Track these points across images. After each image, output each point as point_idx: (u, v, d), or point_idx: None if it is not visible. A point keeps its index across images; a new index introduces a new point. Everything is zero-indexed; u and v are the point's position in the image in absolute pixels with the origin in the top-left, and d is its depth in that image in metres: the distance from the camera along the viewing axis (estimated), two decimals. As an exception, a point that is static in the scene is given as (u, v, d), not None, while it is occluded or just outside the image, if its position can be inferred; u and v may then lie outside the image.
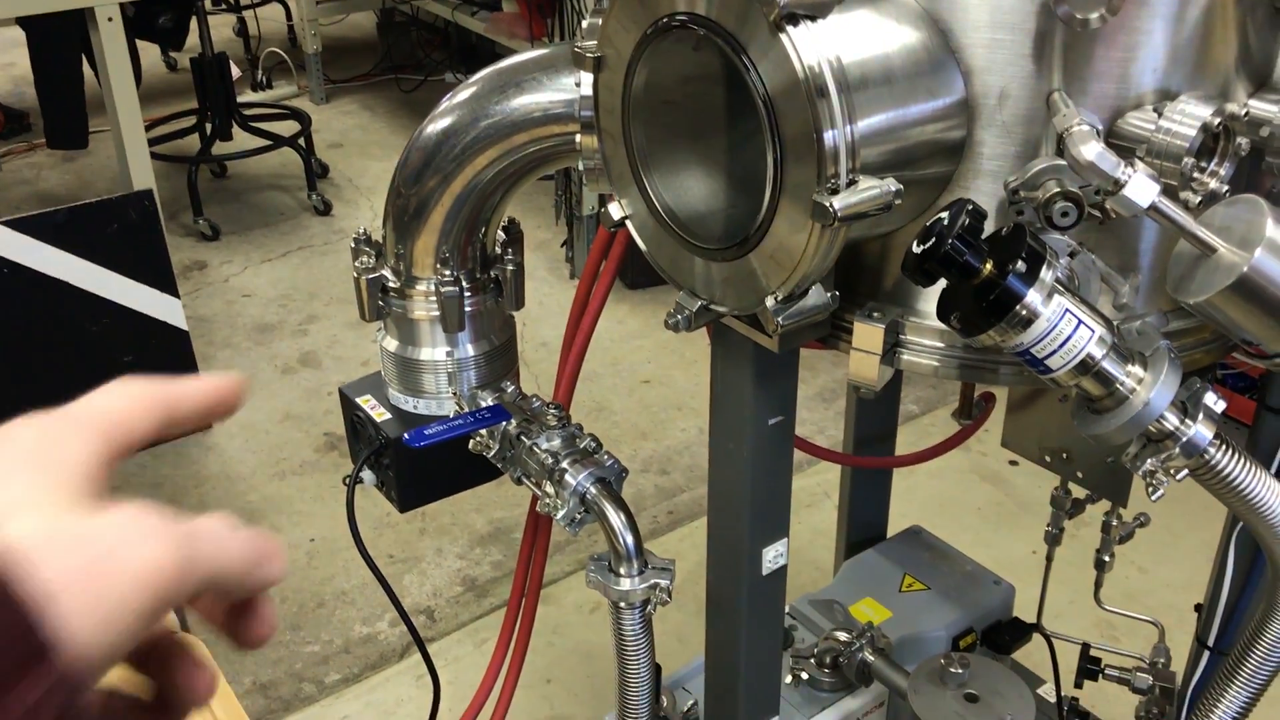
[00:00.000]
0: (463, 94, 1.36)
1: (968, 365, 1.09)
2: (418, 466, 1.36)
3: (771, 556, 1.25)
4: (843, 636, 1.56)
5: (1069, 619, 2.01)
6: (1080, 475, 1.56)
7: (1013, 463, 3.04)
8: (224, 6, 5.63)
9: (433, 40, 5.60)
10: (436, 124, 1.34)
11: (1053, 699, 1.68)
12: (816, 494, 2.99)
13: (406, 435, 1.27)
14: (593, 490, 1.25)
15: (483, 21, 4.50)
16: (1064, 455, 1.56)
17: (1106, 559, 1.60)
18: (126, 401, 0.47)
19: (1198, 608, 1.45)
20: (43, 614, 0.37)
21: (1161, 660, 1.56)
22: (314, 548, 2.77)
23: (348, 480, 1.41)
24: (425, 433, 1.24)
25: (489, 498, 2.94)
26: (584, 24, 1.10)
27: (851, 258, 1.11)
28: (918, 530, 1.88)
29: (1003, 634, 1.71)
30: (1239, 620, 1.36)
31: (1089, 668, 1.59)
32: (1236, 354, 1.10)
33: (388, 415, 1.40)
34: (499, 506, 2.91)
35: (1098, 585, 1.61)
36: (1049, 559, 1.67)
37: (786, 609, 1.75)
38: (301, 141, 4.49)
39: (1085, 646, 1.60)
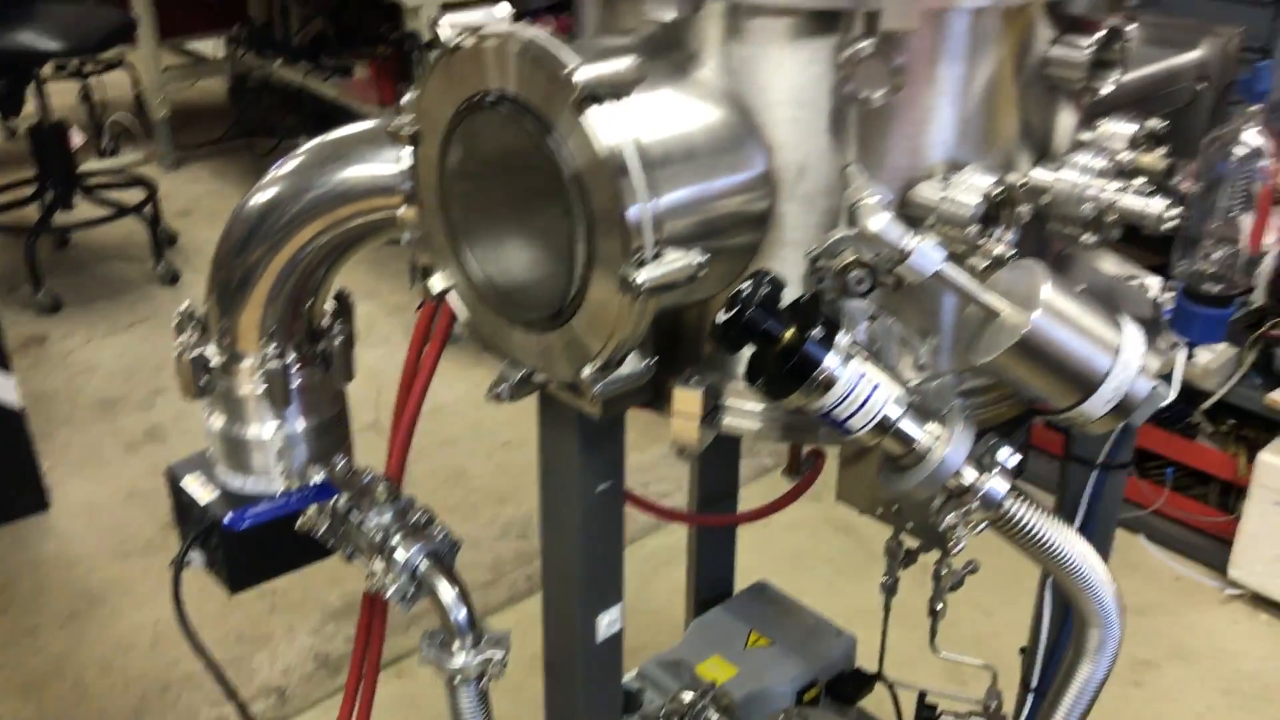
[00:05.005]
0: (289, 165, 1.36)
1: (789, 426, 1.13)
2: (246, 547, 1.34)
3: (606, 623, 1.25)
4: (687, 697, 1.57)
5: (916, 666, 2.06)
6: (910, 526, 1.61)
7: (864, 513, 3.12)
8: (67, 73, 5.47)
9: (286, 105, 5.54)
10: (261, 195, 1.34)
11: (899, 747, 1.72)
12: (677, 550, 2.99)
13: (228, 518, 1.25)
14: (423, 565, 1.24)
15: (334, 87, 4.48)
16: (894, 507, 1.61)
17: (939, 607, 1.65)
18: None
19: (1022, 651, 1.51)
20: None
21: (994, 703, 1.62)
22: (159, 631, 2.67)
23: (173, 565, 1.37)
24: (247, 514, 1.22)
25: (342, 570, 2.86)
26: (404, 99, 1.11)
27: (672, 323, 1.13)
28: (763, 585, 1.92)
29: (846, 685, 1.75)
30: (1058, 661, 1.42)
31: (925, 715, 1.63)
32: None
33: (215, 494, 1.37)
34: (353, 579, 2.84)
35: (933, 633, 1.66)
36: (886, 609, 1.72)
37: (636, 671, 1.76)
38: (147, 210, 4.38)
39: (921, 695, 1.65)
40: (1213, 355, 2.76)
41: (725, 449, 1.84)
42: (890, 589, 1.72)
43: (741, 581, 2.10)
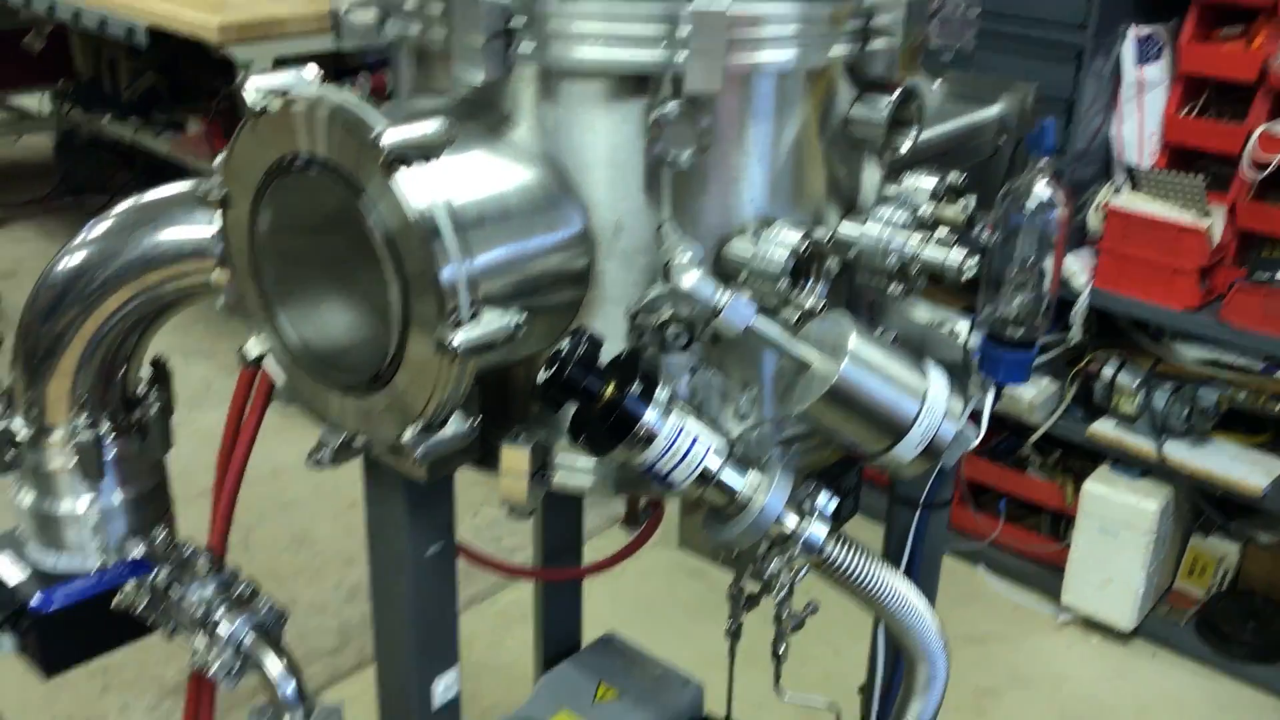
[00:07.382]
0: (98, 228, 1.31)
1: (622, 481, 1.13)
2: (58, 628, 1.27)
3: (442, 689, 1.23)
4: (534, 756, 1.55)
5: (767, 709, 2.07)
6: (751, 570, 1.63)
7: (715, 558, 3.14)
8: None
9: (117, 161, 5.36)
10: (69, 259, 1.29)
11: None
12: (529, 605, 2.97)
13: (36, 599, 1.19)
14: (249, 639, 1.20)
15: (167, 143, 4.36)
16: (734, 553, 1.63)
17: (782, 650, 1.66)
18: None
19: (861, 690, 1.54)
20: None
21: (838, 743, 1.64)
22: (-24, 720, 2.51)
23: (-19, 650, 1.29)
24: (57, 594, 1.16)
25: (179, 645, 2.75)
26: (216, 161, 1.08)
27: (499, 381, 1.13)
28: (610, 638, 1.91)
29: (694, 733, 1.75)
30: (893, 699, 1.45)
31: (770, 759, 1.64)
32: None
33: (25, 575, 1.29)
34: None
35: (776, 676, 1.68)
36: (731, 654, 1.73)
37: (483, 733, 1.73)
38: (-35, 271, 4.17)
39: (767, 738, 1.66)
40: (1037, 390, 2.88)
41: (566, 502, 1.84)
42: (735, 634, 1.73)
43: (593, 632, 2.09)
